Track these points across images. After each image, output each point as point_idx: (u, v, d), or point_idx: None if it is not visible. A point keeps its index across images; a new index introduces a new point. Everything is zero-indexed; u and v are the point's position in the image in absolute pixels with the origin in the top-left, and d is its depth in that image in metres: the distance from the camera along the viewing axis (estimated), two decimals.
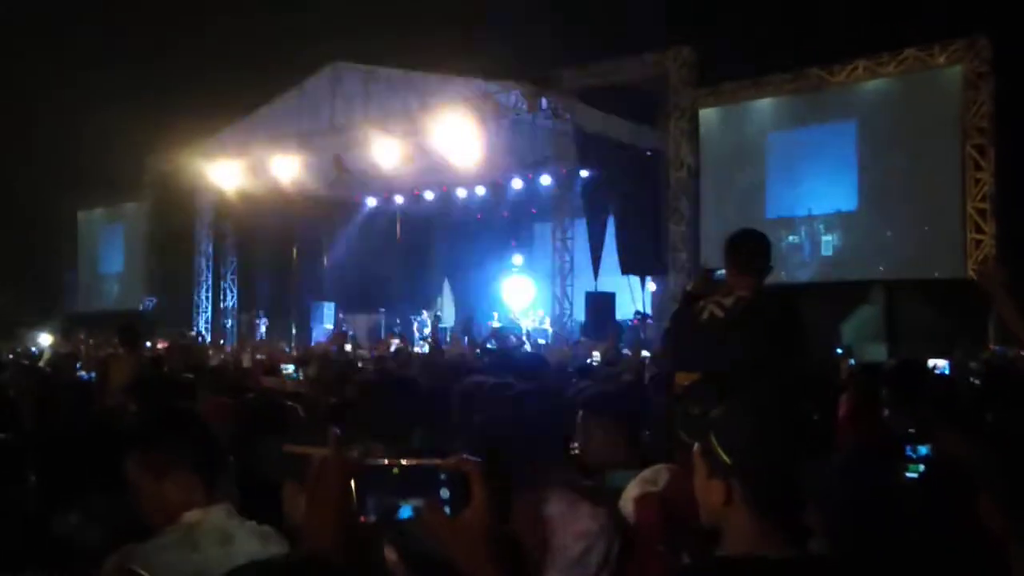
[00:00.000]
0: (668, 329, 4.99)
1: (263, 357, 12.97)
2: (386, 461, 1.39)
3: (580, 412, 3.26)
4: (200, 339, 21.30)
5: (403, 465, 1.38)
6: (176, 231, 23.61)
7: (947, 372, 5.65)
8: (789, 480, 1.73)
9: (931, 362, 5.69)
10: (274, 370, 9.05)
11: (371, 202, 24.88)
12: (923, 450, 3.10)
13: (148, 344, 18.74)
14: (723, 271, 4.06)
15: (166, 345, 16.49)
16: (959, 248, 15.39)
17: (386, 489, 1.37)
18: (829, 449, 4.03)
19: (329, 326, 22.45)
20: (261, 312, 23.34)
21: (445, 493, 1.37)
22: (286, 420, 3.86)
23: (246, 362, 12.70)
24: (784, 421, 1.81)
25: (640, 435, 3.28)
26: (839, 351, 14.68)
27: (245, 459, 3.18)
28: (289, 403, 4.31)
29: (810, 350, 4.79)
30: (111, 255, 27.10)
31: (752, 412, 1.84)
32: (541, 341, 17.93)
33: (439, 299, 25.10)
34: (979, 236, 15.22)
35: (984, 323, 13.93)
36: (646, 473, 2.71)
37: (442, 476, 1.38)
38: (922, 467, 3.10)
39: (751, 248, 4.01)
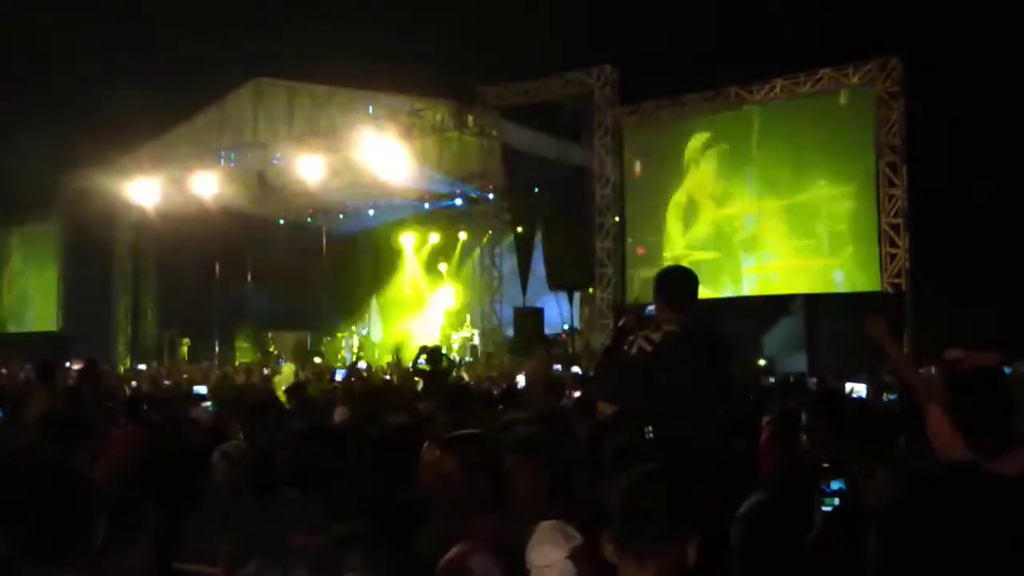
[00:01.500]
0: (599, 363, 5.06)
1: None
2: None
3: (507, 455, 3.24)
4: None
5: None
6: (93, 250, 22.93)
7: (864, 396, 5.77)
8: None
9: (848, 385, 5.83)
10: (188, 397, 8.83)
11: (295, 218, 24.54)
12: (835, 485, 3.15)
13: (68, 364, 18.21)
14: (652, 307, 4.12)
15: (80, 367, 15.93)
16: (875, 262, 15.88)
17: None
18: (752, 477, 4.11)
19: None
20: (178, 331, 22.81)
21: None
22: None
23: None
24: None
25: (566, 482, 3.28)
26: (762, 362, 15.09)
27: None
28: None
29: (735, 383, 4.87)
30: (25, 275, 26.17)
31: None
32: (468, 359, 17.92)
33: (367, 315, 24.87)
34: (893, 250, 15.71)
35: (899, 336, 14.42)
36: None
37: None
38: (836, 501, 3.16)
39: (678, 285, 4.09)
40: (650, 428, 3.76)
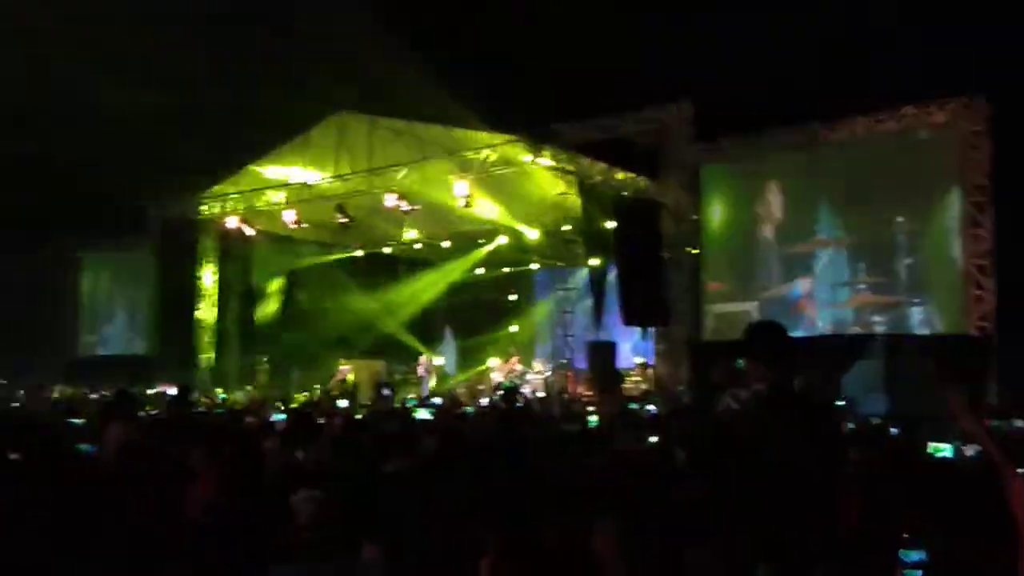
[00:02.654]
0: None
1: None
2: None
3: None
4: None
5: None
6: (180, 275, 23.70)
7: (950, 455, 5.61)
8: None
9: (932, 445, 5.68)
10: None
11: (373, 248, 25.09)
12: (915, 556, 3.11)
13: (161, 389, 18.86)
14: (743, 361, 4.04)
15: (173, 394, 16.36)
16: (960, 304, 15.48)
17: None
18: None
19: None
20: (258, 356, 23.40)
21: None
22: None
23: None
24: None
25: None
26: (841, 403, 14.76)
27: None
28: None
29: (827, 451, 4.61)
30: (114, 299, 27.17)
31: None
32: (540, 394, 18.01)
33: (440, 345, 25.20)
34: (979, 292, 15.29)
35: (982, 379, 14.01)
36: None
37: None
38: (919, 574, 3.11)
39: (767, 341, 3.93)
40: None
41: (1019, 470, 3.06)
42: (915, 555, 3.14)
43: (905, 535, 3.29)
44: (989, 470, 3.81)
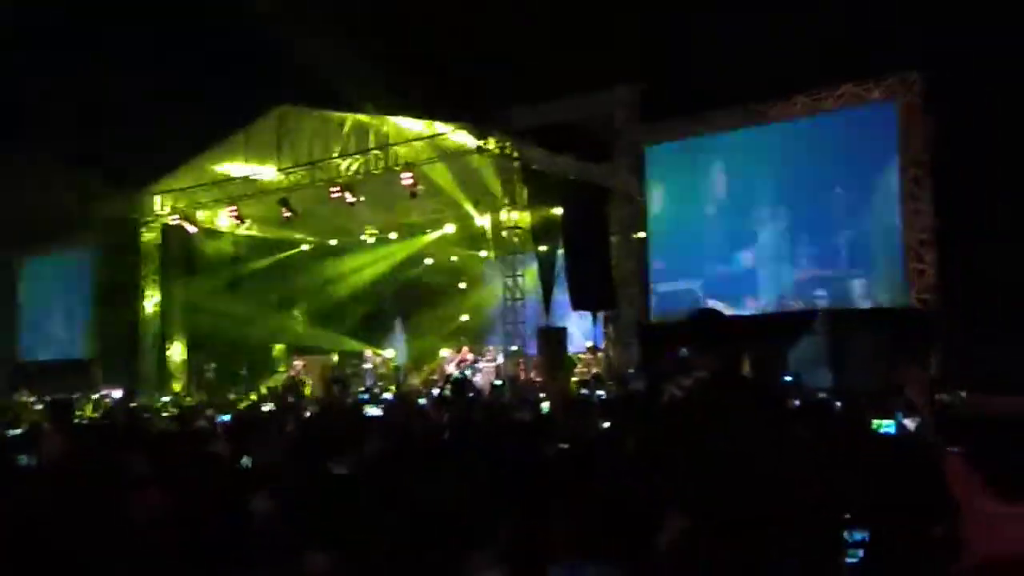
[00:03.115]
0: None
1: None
2: None
3: None
4: None
5: None
6: (120, 276, 23.18)
7: (892, 430, 5.67)
8: None
9: (875, 421, 5.74)
10: None
11: (319, 242, 24.86)
12: (858, 536, 3.12)
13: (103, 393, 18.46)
14: (686, 349, 4.02)
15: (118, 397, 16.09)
16: (902, 277, 15.75)
17: None
18: None
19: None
20: (204, 356, 23.05)
21: None
22: None
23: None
24: None
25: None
26: (787, 379, 14.95)
27: None
28: None
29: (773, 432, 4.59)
30: (54, 302, 26.45)
31: None
32: (498, 382, 17.95)
33: (392, 336, 25.03)
34: (921, 266, 15.57)
35: (926, 352, 14.27)
36: None
37: None
38: (860, 553, 3.12)
39: (707, 328, 3.91)
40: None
41: (953, 448, 3.06)
42: (858, 535, 3.15)
43: (847, 515, 3.29)
44: (928, 446, 3.83)
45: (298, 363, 22.09)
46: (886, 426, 5.74)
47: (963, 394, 8.72)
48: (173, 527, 4.02)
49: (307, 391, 19.23)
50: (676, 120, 18.02)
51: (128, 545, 3.99)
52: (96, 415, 11.99)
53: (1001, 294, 12.74)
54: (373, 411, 8.73)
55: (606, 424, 7.30)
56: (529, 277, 19.11)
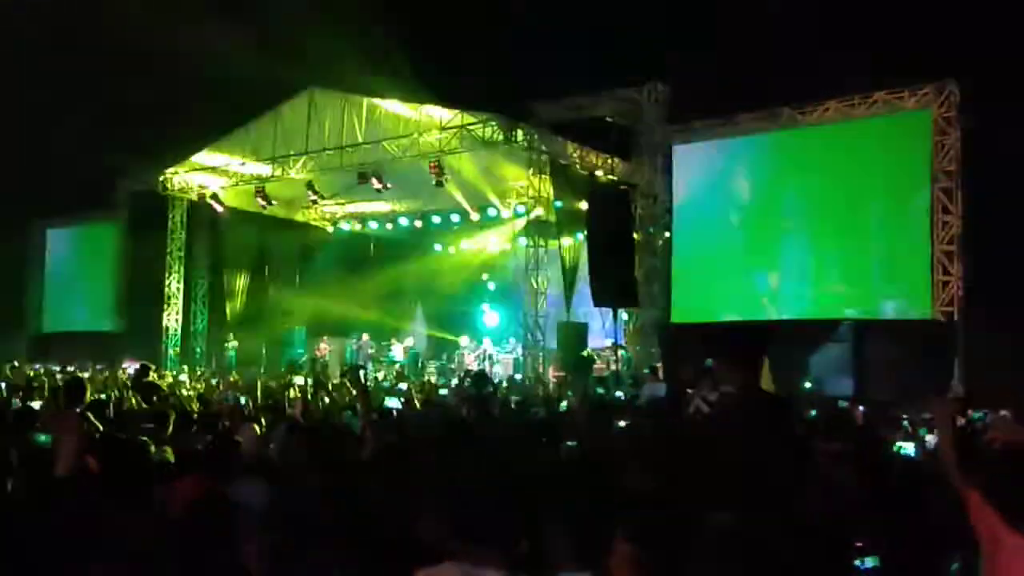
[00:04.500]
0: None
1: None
2: None
3: None
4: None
5: None
6: (148, 251, 23.36)
7: (912, 453, 5.61)
8: None
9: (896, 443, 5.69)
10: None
11: (345, 226, 24.95)
12: (870, 563, 3.09)
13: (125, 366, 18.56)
14: (711, 360, 3.99)
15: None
16: (927, 289, 15.58)
17: None
18: None
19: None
20: (227, 335, 23.19)
21: None
22: None
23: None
24: None
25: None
26: (808, 385, 14.85)
27: None
28: None
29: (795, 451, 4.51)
30: (80, 274, 26.70)
31: None
32: (517, 376, 18.02)
33: (412, 324, 25.06)
34: (946, 278, 15.42)
35: (949, 365, 14.15)
36: None
37: None
38: None
39: (738, 344, 3.91)
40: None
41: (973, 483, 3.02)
42: (869, 561, 3.13)
43: (859, 544, 3.26)
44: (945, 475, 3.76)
45: (324, 345, 22.10)
46: (905, 449, 5.68)
47: (987, 415, 8.64)
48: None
49: (329, 375, 19.27)
50: (704, 120, 17.91)
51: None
52: (114, 392, 11.97)
53: None
54: (392, 403, 8.72)
55: (622, 423, 7.31)
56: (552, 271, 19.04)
